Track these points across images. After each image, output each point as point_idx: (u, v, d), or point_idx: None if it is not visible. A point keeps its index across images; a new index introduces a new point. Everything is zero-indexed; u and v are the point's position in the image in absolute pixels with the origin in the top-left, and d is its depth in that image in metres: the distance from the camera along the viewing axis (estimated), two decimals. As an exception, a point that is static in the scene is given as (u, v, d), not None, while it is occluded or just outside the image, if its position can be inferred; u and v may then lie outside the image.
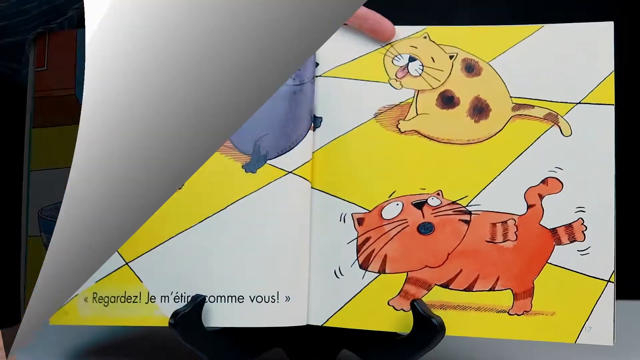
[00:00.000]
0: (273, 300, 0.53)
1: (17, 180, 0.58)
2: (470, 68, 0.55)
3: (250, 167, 0.55)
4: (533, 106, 0.54)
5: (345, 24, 0.57)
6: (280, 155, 0.55)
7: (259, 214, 0.54)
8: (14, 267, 0.58)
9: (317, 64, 0.57)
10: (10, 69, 0.62)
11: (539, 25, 0.55)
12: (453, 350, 0.62)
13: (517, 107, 0.54)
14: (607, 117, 0.52)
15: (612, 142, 0.52)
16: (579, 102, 0.53)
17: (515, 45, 0.55)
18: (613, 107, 0.53)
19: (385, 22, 0.56)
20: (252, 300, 0.53)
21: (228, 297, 0.53)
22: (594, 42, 0.54)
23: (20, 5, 0.58)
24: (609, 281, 0.50)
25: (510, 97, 0.54)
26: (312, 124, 0.56)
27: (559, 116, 0.53)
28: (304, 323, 0.53)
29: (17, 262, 0.58)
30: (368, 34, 0.57)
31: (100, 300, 0.55)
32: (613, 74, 0.53)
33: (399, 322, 0.52)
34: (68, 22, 0.59)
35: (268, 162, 0.55)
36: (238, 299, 0.53)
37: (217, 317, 0.53)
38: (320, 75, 0.57)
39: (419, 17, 0.58)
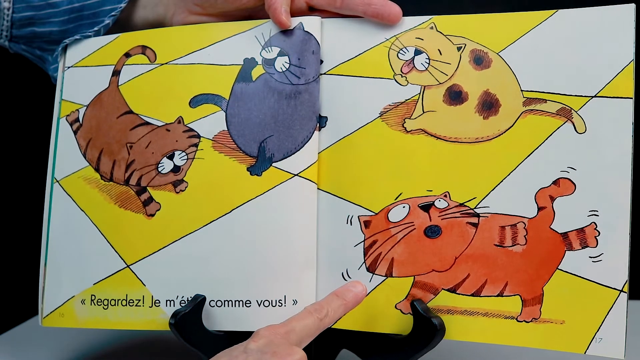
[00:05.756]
0: (280, 304, 0.53)
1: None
2: (479, 60, 0.52)
3: (256, 170, 0.54)
4: (545, 100, 0.50)
5: (349, 15, 0.55)
6: (286, 157, 0.54)
7: (265, 217, 0.54)
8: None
9: (322, 62, 0.55)
10: (33, 54, 0.63)
11: (552, 11, 0.51)
12: (454, 352, 0.61)
13: (528, 101, 0.51)
14: (625, 112, 0.49)
15: (630, 139, 0.48)
16: (595, 96, 0.49)
17: (527, 33, 0.52)
18: (632, 100, 0.49)
19: (390, 4, 0.54)
20: (259, 305, 0.53)
21: (235, 301, 0.53)
22: (612, 28, 0.50)
23: None
24: (621, 291, 0.48)
25: (521, 90, 0.51)
26: (318, 124, 0.54)
27: (572, 111, 0.50)
28: (311, 326, 0.53)
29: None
30: (373, 19, 0.54)
31: (99, 303, 0.56)
32: (633, 63, 0.49)
33: (406, 324, 0.52)
34: (104, 28, 0.60)
35: (274, 164, 0.54)
36: (245, 303, 0.53)
37: (225, 321, 0.53)
38: (324, 73, 0.55)
39: (424, 7, 0.56)
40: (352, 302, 0.50)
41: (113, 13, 0.59)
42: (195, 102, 0.57)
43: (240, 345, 0.45)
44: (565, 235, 0.49)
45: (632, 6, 0.50)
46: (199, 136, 0.56)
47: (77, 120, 0.60)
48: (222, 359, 0.44)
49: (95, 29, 0.60)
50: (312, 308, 0.48)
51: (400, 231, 0.52)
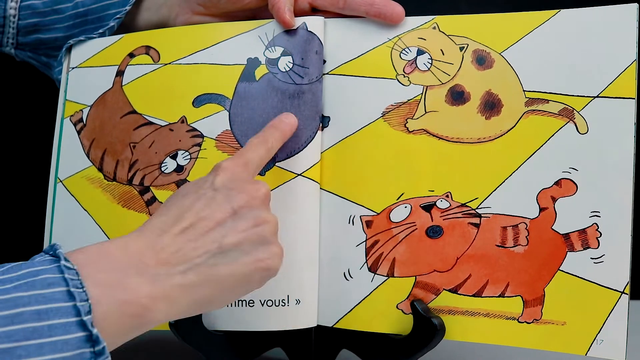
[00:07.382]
0: (284, 304, 0.53)
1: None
2: (482, 60, 0.52)
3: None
4: (547, 101, 0.50)
5: (351, 15, 0.55)
6: (289, 157, 0.54)
7: (267, 217, 0.54)
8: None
9: (325, 62, 0.55)
10: (39, 61, 0.63)
11: (554, 11, 0.51)
12: (455, 352, 0.61)
13: (531, 102, 0.51)
14: (627, 112, 0.49)
15: (632, 140, 0.48)
16: (597, 96, 0.49)
17: (529, 33, 0.51)
18: (634, 101, 0.49)
19: (393, 4, 0.54)
20: (262, 305, 0.53)
21: (238, 301, 0.53)
22: (614, 28, 0.49)
23: (54, 4, 0.60)
24: (623, 292, 0.47)
25: (524, 90, 0.51)
26: (320, 124, 0.54)
27: (574, 111, 0.50)
28: (314, 325, 0.54)
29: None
30: (376, 19, 0.54)
31: None
32: (635, 63, 0.49)
33: (407, 324, 0.52)
34: (109, 31, 0.60)
35: (277, 164, 0.54)
36: (248, 303, 0.53)
37: (228, 321, 0.54)
38: (327, 73, 0.55)
39: (427, 7, 0.56)
40: (288, 132, 0.52)
41: (118, 16, 0.59)
42: (198, 101, 0.57)
43: (206, 180, 0.45)
44: (566, 236, 0.49)
45: (635, 6, 0.49)
46: (202, 136, 0.56)
47: (80, 120, 0.60)
48: (190, 195, 0.44)
49: (100, 31, 0.60)
50: (257, 140, 0.49)
51: (402, 231, 0.52)
